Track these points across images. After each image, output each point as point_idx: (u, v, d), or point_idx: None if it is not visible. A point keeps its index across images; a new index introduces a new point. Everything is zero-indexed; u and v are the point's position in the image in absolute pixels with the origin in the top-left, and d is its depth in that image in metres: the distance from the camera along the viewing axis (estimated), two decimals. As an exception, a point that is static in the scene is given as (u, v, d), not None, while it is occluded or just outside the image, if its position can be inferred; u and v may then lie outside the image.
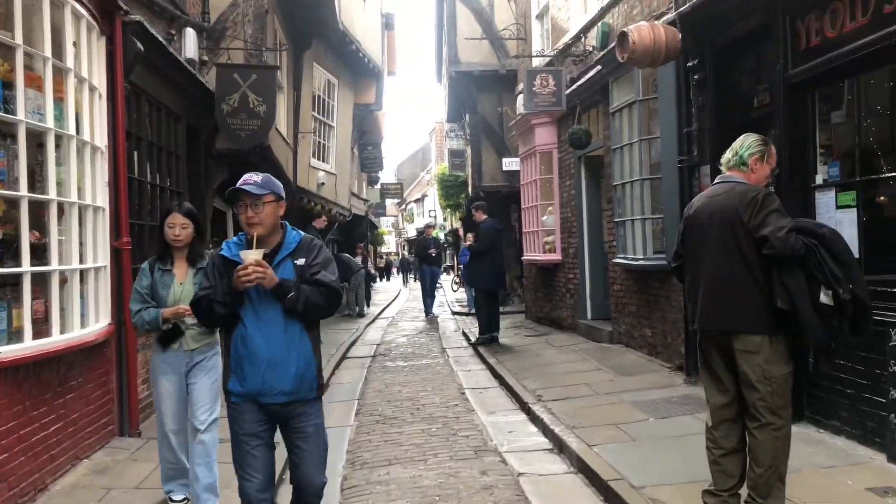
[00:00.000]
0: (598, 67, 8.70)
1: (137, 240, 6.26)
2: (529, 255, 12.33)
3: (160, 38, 6.43)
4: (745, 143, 3.68)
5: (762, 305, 3.38)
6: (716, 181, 3.77)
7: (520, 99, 13.10)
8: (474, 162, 17.23)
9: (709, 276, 3.55)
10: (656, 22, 5.77)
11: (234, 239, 3.12)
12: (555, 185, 11.27)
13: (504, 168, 16.41)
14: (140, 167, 6.61)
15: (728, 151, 3.75)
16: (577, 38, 9.79)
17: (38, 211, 4.46)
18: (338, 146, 15.16)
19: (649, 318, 7.79)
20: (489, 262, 9.96)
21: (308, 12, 11.24)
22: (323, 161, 14.54)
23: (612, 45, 7.99)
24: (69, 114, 4.80)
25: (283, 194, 3.08)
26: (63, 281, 4.68)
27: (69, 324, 4.70)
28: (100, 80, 5.47)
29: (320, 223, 12.04)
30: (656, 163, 7.63)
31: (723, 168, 3.78)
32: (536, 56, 11.66)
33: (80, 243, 4.93)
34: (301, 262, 2.97)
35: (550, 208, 11.46)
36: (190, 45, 7.92)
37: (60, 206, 4.64)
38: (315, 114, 13.85)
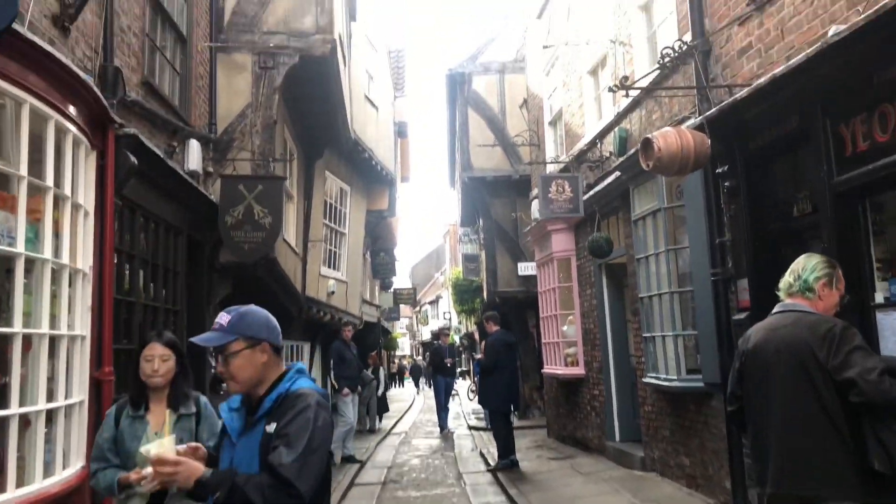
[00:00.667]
0: (617, 174, 8.33)
1: (124, 368, 5.73)
2: (550, 368, 11.63)
3: (158, 152, 6.13)
4: (809, 266, 3.15)
5: (853, 466, 2.75)
6: (776, 310, 3.21)
7: (534, 204, 12.79)
8: (489, 267, 16.81)
9: (781, 428, 2.93)
10: (683, 127, 5.39)
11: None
12: (574, 294, 10.73)
13: (520, 273, 15.97)
14: (132, 286, 6.17)
15: (788, 275, 3.22)
16: (592, 143, 9.51)
17: (1, 346, 3.96)
18: (349, 253, 14.82)
19: (686, 445, 7.04)
20: (500, 380, 9.31)
21: (319, 122, 11.12)
22: (334, 269, 14.15)
23: (632, 151, 7.65)
24: (46, 235, 4.38)
25: (265, 335, 2.38)
26: (26, 424, 4.11)
27: (29, 475, 4.09)
28: (87, 196, 5.10)
29: (348, 333, 11.55)
30: (686, 274, 7.10)
31: (782, 294, 3.24)
32: (551, 162, 11.41)
33: (50, 378, 4.39)
34: (272, 428, 2.23)
35: (571, 318, 10.87)
36: (193, 156, 7.66)
37: (27, 339, 4.14)
38: (326, 221, 13.58)
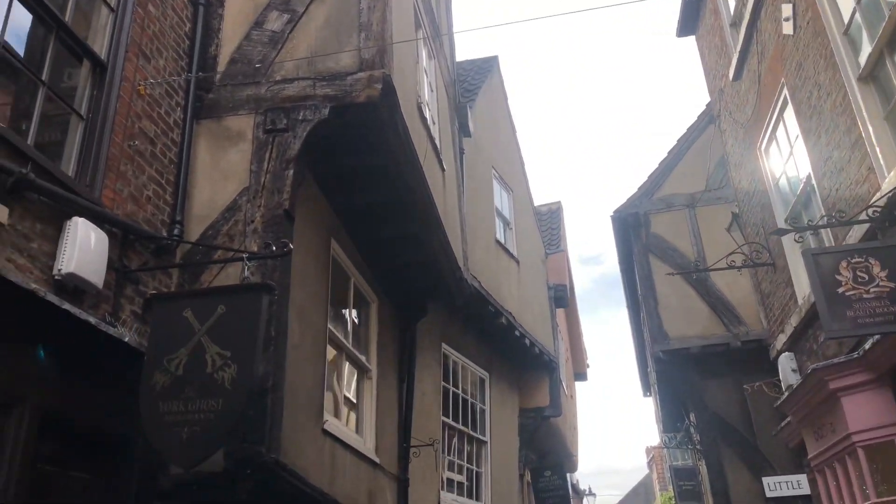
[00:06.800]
0: None
1: None
2: None
3: None
4: None
5: None
6: None
7: (784, 362, 7.49)
8: (714, 486, 10.94)
9: None
10: None
11: None
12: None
13: (768, 493, 10.14)
14: None
15: None
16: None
17: None
18: (493, 472, 9.89)
19: None
20: None
21: (400, 246, 7.10)
22: (467, 497, 9.23)
23: None
24: None
25: None
26: None
27: None
28: None
29: None
30: None
31: None
32: (811, 227, 6.18)
33: None
34: None
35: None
36: (78, 250, 3.82)
37: None
38: (449, 420, 9.01)
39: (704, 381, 11.34)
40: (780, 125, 7.18)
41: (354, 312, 6.85)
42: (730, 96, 8.72)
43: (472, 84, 10.85)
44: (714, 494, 11.07)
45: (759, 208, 8.13)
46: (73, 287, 3.84)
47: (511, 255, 10.70)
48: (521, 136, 12.54)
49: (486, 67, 11.41)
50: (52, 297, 3.45)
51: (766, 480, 10.17)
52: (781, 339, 7.54)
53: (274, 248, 4.29)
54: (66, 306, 3.54)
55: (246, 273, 4.21)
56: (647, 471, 48.08)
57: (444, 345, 8.99)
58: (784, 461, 10.29)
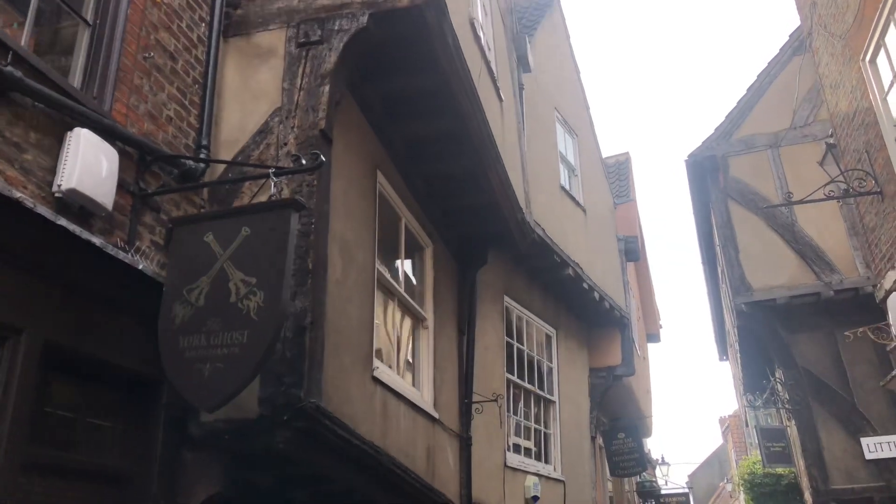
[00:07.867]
0: None
1: None
2: None
3: None
4: None
5: None
6: None
7: (894, 302, 6.60)
8: (807, 448, 10.02)
9: None
10: None
11: None
12: None
13: (868, 455, 9.28)
14: None
15: None
16: None
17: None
18: (563, 434, 9.26)
19: None
20: None
21: (451, 178, 6.47)
22: (535, 459, 8.64)
23: None
24: None
25: None
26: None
27: None
28: None
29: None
30: None
31: None
32: None
33: None
34: None
35: None
36: (82, 164, 3.34)
37: None
38: (514, 377, 8.41)
39: (792, 334, 10.41)
40: (890, 28, 6.21)
41: (407, 258, 6.28)
42: (824, 7, 7.71)
43: (531, 20, 10.06)
44: (806, 457, 10.16)
45: (862, 130, 7.16)
46: (79, 207, 3.36)
47: (577, 203, 9.95)
48: (586, 81, 11.64)
49: (546, 2, 10.58)
50: (42, 210, 2.97)
51: (864, 441, 9.29)
52: (892, 277, 6.64)
53: (304, 161, 3.71)
54: (62, 222, 3.06)
55: (273, 190, 3.67)
56: (720, 441, 46.56)
57: (506, 298, 8.36)
58: (886, 420, 9.35)
